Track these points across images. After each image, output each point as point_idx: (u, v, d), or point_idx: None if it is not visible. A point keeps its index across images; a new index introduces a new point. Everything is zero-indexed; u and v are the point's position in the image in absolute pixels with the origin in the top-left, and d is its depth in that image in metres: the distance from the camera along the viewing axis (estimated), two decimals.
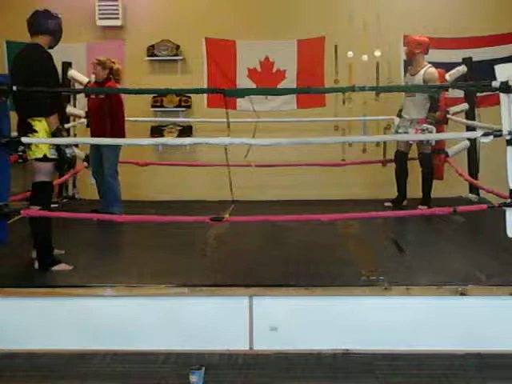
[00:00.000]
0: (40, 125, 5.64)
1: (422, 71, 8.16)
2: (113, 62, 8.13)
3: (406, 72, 8.70)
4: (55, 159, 5.73)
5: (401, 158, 8.52)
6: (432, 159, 8.46)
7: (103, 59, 8.09)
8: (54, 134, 5.64)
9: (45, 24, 5.78)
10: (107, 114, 8.00)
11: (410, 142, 8.35)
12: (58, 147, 5.68)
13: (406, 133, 8.19)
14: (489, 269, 5.54)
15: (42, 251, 5.77)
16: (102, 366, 4.90)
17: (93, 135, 8.06)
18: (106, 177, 8.11)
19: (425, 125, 7.94)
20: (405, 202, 8.46)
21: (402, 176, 8.55)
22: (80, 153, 8.54)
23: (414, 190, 8.51)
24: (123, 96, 8.30)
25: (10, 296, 5.27)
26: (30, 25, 5.82)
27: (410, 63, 8.45)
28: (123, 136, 8.02)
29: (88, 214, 7.24)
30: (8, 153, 5.78)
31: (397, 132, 8.39)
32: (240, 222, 6.63)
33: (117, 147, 8.03)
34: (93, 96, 8.13)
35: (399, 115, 8.44)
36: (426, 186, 8.40)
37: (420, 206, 8.14)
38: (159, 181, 10.28)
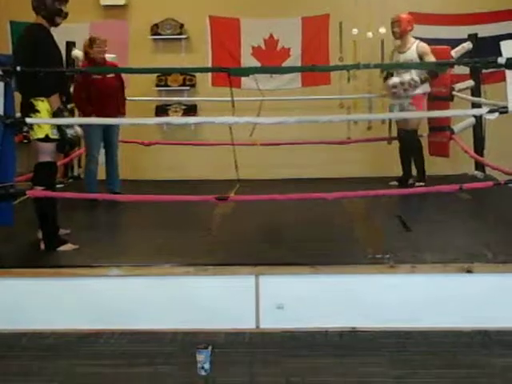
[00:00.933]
0: (42, 105, 5.61)
1: (414, 47, 8.16)
2: None
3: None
4: (57, 139, 5.72)
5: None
6: (416, 135, 8.46)
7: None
8: (55, 114, 5.63)
9: (43, 3, 5.68)
10: (121, 93, 8.06)
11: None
12: (59, 127, 5.67)
13: (402, 110, 8.17)
14: (495, 246, 5.52)
15: (47, 232, 5.78)
16: (108, 345, 4.92)
17: (108, 116, 7.64)
18: (115, 156, 8.16)
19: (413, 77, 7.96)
20: (410, 181, 8.42)
21: (407, 153, 8.52)
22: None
23: None
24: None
25: (16, 277, 5.28)
26: (32, 4, 5.77)
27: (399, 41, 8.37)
28: None
29: (95, 194, 7.27)
30: (13, 133, 5.78)
31: (391, 111, 8.36)
32: (245, 201, 6.64)
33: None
34: (98, 76, 7.94)
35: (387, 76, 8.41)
36: (418, 162, 8.41)
37: (417, 183, 8.18)
38: (164, 160, 10.27)
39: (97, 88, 7.89)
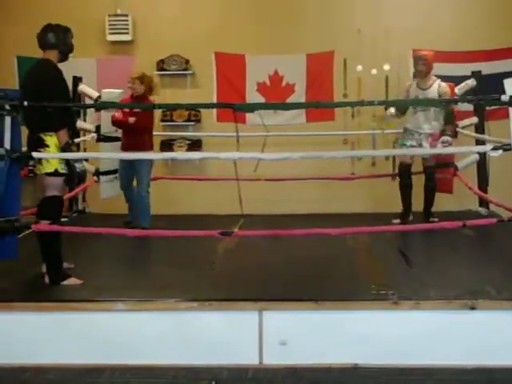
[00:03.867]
0: (51, 140, 5.67)
1: (436, 85, 8.13)
2: (150, 77, 8.31)
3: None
4: (65, 174, 5.75)
5: (407, 172, 8.44)
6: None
7: (141, 74, 8.20)
8: (63, 149, 5.67)
9: (51, 38, 5.81)
10: (146, 130, 8.19)
11: (425, 157, 8.29)
12: (67, 162, 5.72)
13: (414, 146, 8.15)
14: (499, 283, 5.52)
15: (51, 266, 5.79)
16: (111, 380, 4.90)
17: (131, 150, 7.99)
18: (141, 192, 8.22)
19: (445, 137, 7.94)
20: (410, 217, 8.39)
21: (408, 190, 8.46)
22: (90, 167, 8.56)
23: (418, 203, 8.49)
24: None
25: (19, 310, 5.28)
26: (40, 40, 5.87)
27: (420, 78, 8.31)
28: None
29: (99, 228, 7.28)
30: (19, 167, 5.81)
31: (404, 145, 8.32)
32: (249, 236, 6.65)
33: (150, 162, 8.17)
34: (126, 110, 8.13)
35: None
36: (433, 199, 8.40)
37: (432, 219, 8.16)
38: (168, 195, 10.28)
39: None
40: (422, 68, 8.15)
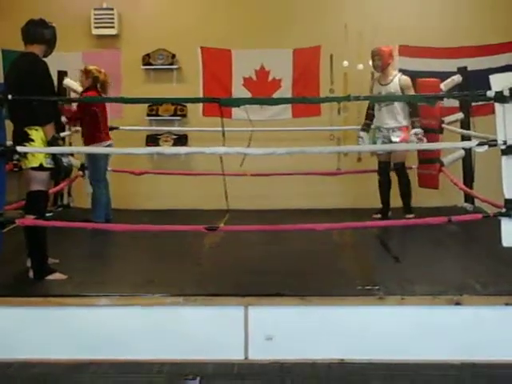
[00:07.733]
0: (36, 134, 5.63)
1: (396, 79, 8.19)
2: (99, 72, 8.13)
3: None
4: (51, 168, 5.72)
5: (385, 169, 8.50)
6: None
7: (89, 68, 8.12)
8: (49, 143, 5.64)
9: (40, 33, 5.79)
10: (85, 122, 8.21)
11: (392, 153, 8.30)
12: (54, 156, 5.68)
13: (385, 143, 8.18)
14: (484, 278, 5.53)
15: (36, 260, 5.76)
16: (96, 375, 4.88)
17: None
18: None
19: (416, 129, 7.96)
20: (389, 213, 8.43)
21: (387, 187, 8.51)
22: (76, 161, 8.53)
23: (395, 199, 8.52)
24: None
25: (4, 305, 5.25)
26: (25, 34, 5.83)
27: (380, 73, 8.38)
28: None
29: (83, 223, 7.27)
30: (3, 162, 5.77)
31: (375, 143, 8.35)
32: (235, 231, 6.64)
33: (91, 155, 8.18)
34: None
35: (364, 129, 8.47)
36: (409, 195, 8.43)
37: (407, 215, 8.16)
38: (154, 190, 10.25)
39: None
40: (378, 63, 8.27)
